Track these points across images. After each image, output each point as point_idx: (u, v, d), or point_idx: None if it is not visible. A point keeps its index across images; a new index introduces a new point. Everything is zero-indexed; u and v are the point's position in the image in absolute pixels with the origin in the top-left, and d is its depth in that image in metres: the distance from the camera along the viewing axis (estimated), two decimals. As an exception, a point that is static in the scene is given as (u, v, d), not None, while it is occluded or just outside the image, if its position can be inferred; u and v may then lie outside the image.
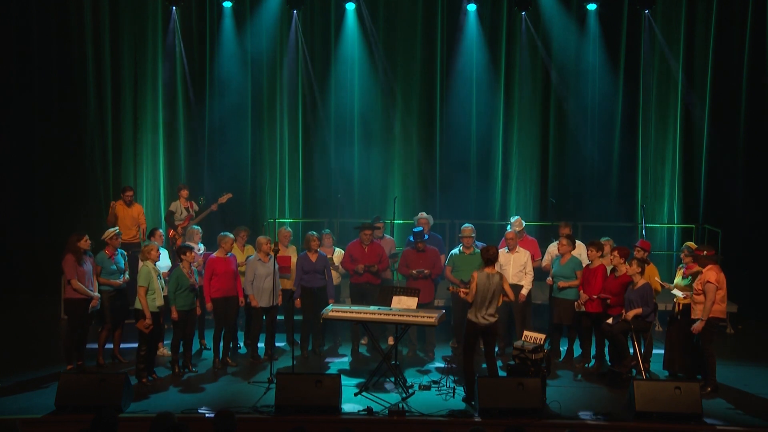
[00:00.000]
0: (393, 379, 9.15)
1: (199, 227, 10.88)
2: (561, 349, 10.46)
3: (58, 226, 13.09)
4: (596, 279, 9.74)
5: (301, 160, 14.16)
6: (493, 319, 8.68)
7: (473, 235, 10.51)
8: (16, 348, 10.65)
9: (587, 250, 10.04)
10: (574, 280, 10.00)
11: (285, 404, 8.20)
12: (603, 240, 10.26)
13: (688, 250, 9.53)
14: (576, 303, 9.89)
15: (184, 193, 12.17)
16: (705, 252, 9.06)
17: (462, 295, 8.94)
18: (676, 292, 9.42)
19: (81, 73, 13.71)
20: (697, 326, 8.90)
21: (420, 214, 11.39)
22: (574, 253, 10.34)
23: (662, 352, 9.81)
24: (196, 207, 12.24)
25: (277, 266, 9.90)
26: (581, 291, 9.84)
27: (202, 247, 10.72)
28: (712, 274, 8.89)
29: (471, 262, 10.05)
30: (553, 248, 10.87)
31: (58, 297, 11.97)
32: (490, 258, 8.71)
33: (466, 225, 10.68)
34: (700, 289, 8.91)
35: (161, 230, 10.56)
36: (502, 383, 8.36)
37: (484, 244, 9.24)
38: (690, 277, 9.36)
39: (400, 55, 14.04)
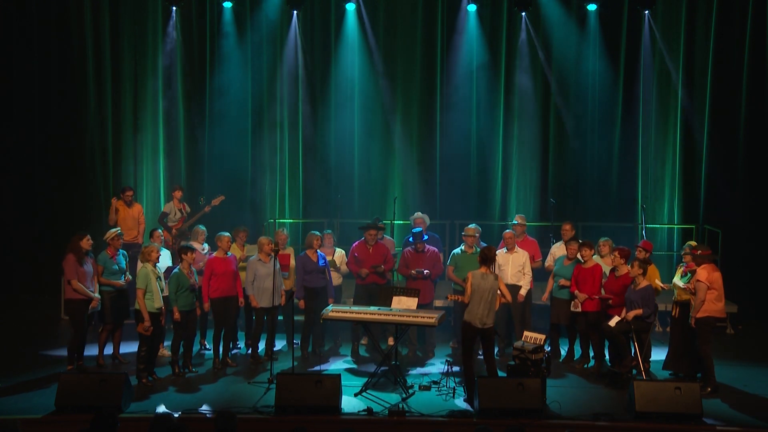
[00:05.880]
0: (393, 379, 9.14)
1: (204, 227, 10.87)
2: (561, 349, 10.46)
3: (59, 226, 13.10)
4: (594, 278, 9.73)
5: (301, 160, 14.16)
6: (489, 324, 8.67)
7: (476, 235, 10.52)
8: (16, 348, 10.65)
9: (580, 250, 10.02)
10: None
11: (285, 404, 8.20)
12: (602, 240, 10.26)
13: (689, 248, 9.54)
14: (573, 303, 9.89)
15: (178, 194, 12.19)
16: (700, 251, 9.08)
17: (460, 299, 8.93)
18: (677, 282, 9.42)
19: (81, 74, 13.70)
20: (691, 323, 8.92)
21: (416, 213, 11.39)
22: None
23: (662, 352, 9.82)
24: (188, 208, 12.24)
25: (278, 266, 9.89)
26: (576, 291, 9.83)
27: (206, 246, 10.72)
28: (703, 273, 8.91)
29: (473, 261, 10.02)
30: (555, 249, 10.87)
31: (58, 297, 11.97)
32: (486, 258, 8.70)
33: (471, 225, 10.69)
34: (694, 288, 8.93)
35: (159, 231, 10.55)
36: (502, 383, 8.36)
37: (485, 245, 9.25)
38: (689, 275, 9.36)
39: (400, 56, 14.03)
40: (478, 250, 9.93)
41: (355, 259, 10.55)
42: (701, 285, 8.86)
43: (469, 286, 8.61)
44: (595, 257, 10.02)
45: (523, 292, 10.34)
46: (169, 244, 11.52)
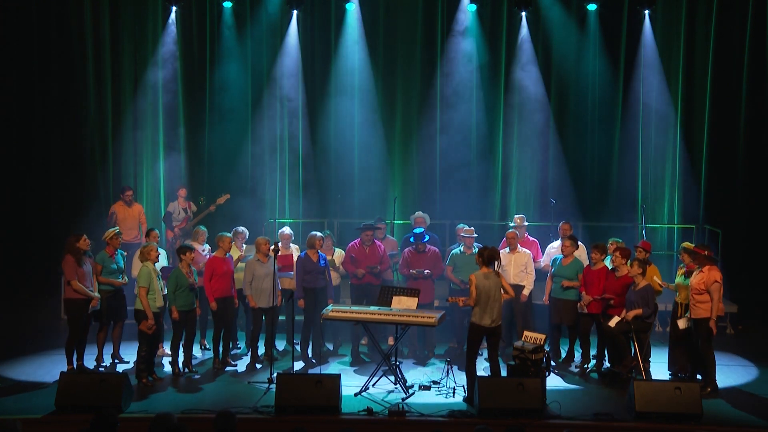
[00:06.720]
0: (393, 379, 9.15)
1: (204, 228, 10.87)
2: (561, 349, 10.46)
3: (58, 226, 13.09)
4: (600, 280, 9.71)
5: (300, 160, 14.16)
6: (498, 323, 8.66)
7: (475, 236, 10.53)
8: (16, 348, 10.64)
9: (591, 252, 10.00)
10: (577, 282, 9.96)
11: (285, 404, 8.19)
12: (612, 240, 10.22)
13: (685, 250, 9.51)
14: (579, 304, 9.87)
15: (182, 192, 12.21)
16: (706, 252, 9.07)
17: (461, 304, 8.89)
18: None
19: (81, 73, 13.72)
20: (711, 326, 8.87)
21: (416, 213, 11.40)
22: (576, 254, 10.31)
23: (662, 352, 9.83)
24: (194, 207, 12.25)
25: (276, 267, 9.89)
26: (583, 292, 9.81)
27: (207, 247, 10.72)
28: (717, 273, 8.90)
29: (472, 262, 10.02)
30: (552, 248, 10.85)
31: (58, 297, 11.97)
32: (491, 258, 8.67)
33: (466, 225, 10.68)
34: (703, 288, 8.90)
35: (156, 230, 10.54)
36: (502, 383, 8.37)
37: (481, 245, 9.23)
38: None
39: (400, 55, 14.04)
40: (476, 250, 9.93)
41: (351, 260, 10.55)
42: (717, 286, 8.85)
43: (474, 289, 8.56)
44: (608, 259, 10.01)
45: (525, 292, 10.34)
46: (177, 244, 11.49)
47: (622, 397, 8.67)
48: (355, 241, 10.69)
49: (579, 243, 10.70)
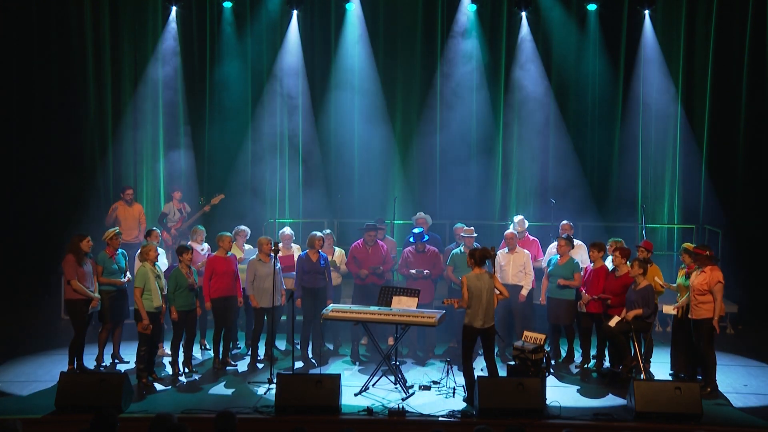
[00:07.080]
0: (393, 379, 9.14)
1: (203, 227, 10.87)
2: (561, 349, 10.45)
3: (58, 227, 13.09)
4: (599, 279, 9.71)
5: (300, 159, 14.15)
6: (490, 324, 8.65)
7: (475, 235, 10.53)
8: (17, 348, 10.64)
9: (589, 251, 10.01)
10: (573, 281, 9.96)
11: (285, 404, 8.20)
12: (612, 240, 10.21)
13: (686, 250, 9.52)
14: (579, 303, 9.87)
15: (177, 194, 12.24)
16: (708, 252, 9.06)
17: (456, 306, 8.88)
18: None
19: (81, 73, 13.71)
20: (715, 325, 8.89)
21: (418, 213, 11.41)
22: (574, 253, 10.31)
23: (662, 352, 9.82)
24: (188, 208, 12.25)
25: (279, 266, 9.88)
26: (583, 291, 9.81)
27: (206, 246, 10.71)
28: (719, 273, 8.92)
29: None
30: (553, 248, 10.86)
31: (58, 297, 11.97)
32: (483, 259, 8.66)
33: (464, 225, 10.67)
34: (706, 289, 8.90)
35: (157, 230, 10.54)
36: (502, 383, 8.37)
37: (481, 245, 9.23)
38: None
39: (400, 55, 14.03)
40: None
41: (354, 260, 10.55)
42: (720, 286, 8.87)
43: (466, 290, 8.56)
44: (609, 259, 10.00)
45: (524, 292, 10.33)
46: (168, 244, 11.52)
47: (622, 397, 8.67)
48: (358, 241, 10.69)
49: (577, 242, 10.71)
